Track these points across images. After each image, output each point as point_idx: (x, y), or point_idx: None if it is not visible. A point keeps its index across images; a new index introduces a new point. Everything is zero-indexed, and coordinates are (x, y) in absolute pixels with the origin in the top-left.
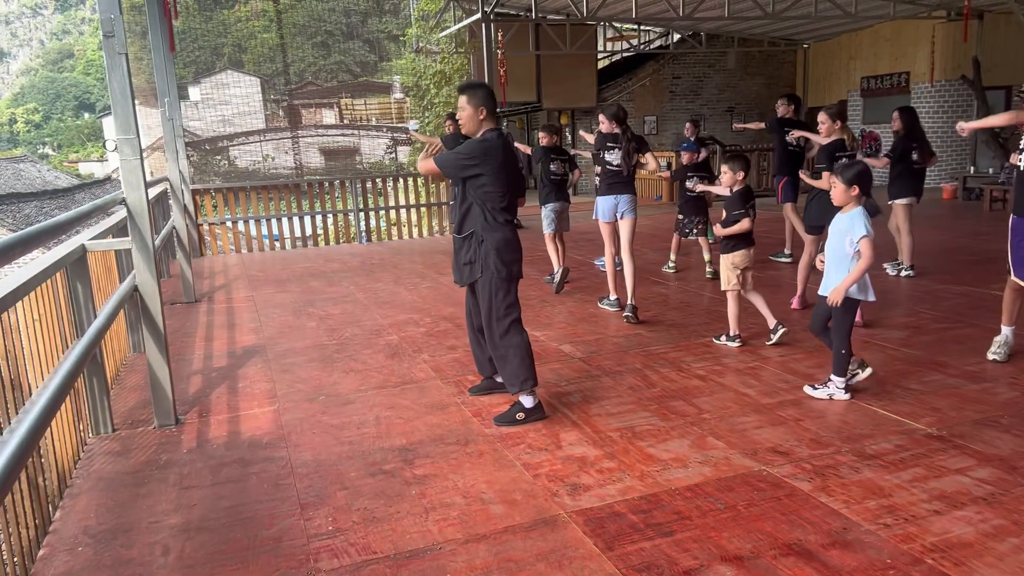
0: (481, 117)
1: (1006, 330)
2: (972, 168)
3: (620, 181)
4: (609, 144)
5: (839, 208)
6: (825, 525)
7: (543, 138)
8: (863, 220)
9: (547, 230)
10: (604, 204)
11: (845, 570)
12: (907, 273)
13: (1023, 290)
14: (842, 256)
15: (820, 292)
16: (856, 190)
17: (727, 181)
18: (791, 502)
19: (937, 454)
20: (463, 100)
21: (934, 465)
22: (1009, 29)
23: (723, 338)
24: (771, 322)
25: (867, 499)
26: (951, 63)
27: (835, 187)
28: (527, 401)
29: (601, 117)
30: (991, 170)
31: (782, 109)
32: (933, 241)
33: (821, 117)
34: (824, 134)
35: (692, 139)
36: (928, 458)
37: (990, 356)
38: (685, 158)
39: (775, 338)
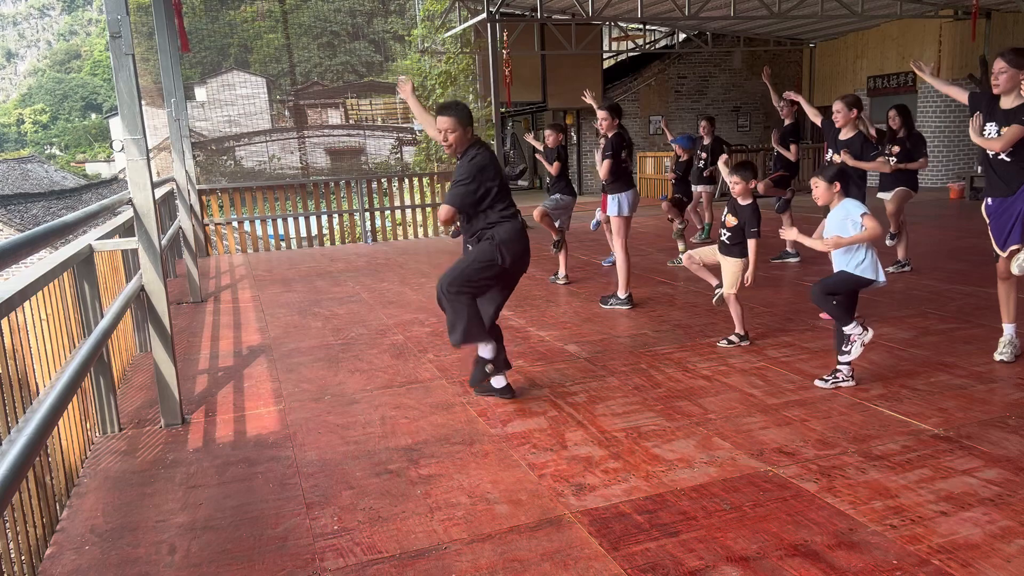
0: (469, 136)
1: (1008, 328)
2: (979, 168)
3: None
4: (627, 142)
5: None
6: (831, 526)
7: (549, 136)
8: (857, 204)
9: (544, 207)
10: (634, 198)
11: (851, 571)
12: (907, 269)
13: (1012, 280)
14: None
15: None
16: (838, 186)
17: (740, 191)
18: (797, 503)
19: (944, 455)
20: (450, 122)
21: (941, 466)
22: (1017, 28)
23: (728, 340)
24: (740, 329)
25: (873, 500)
26: (958, 62)
27: (817, 188)
28: (486, 352)
29: (607, 114)
30: None
31: (787, 111)
32: (940, 241)
33: (837, 106)
34: (841, 124)
35: (708, 139)
36: (935, 459)
37: (997, 357)
38: (680, 151)
39: (729, 343)
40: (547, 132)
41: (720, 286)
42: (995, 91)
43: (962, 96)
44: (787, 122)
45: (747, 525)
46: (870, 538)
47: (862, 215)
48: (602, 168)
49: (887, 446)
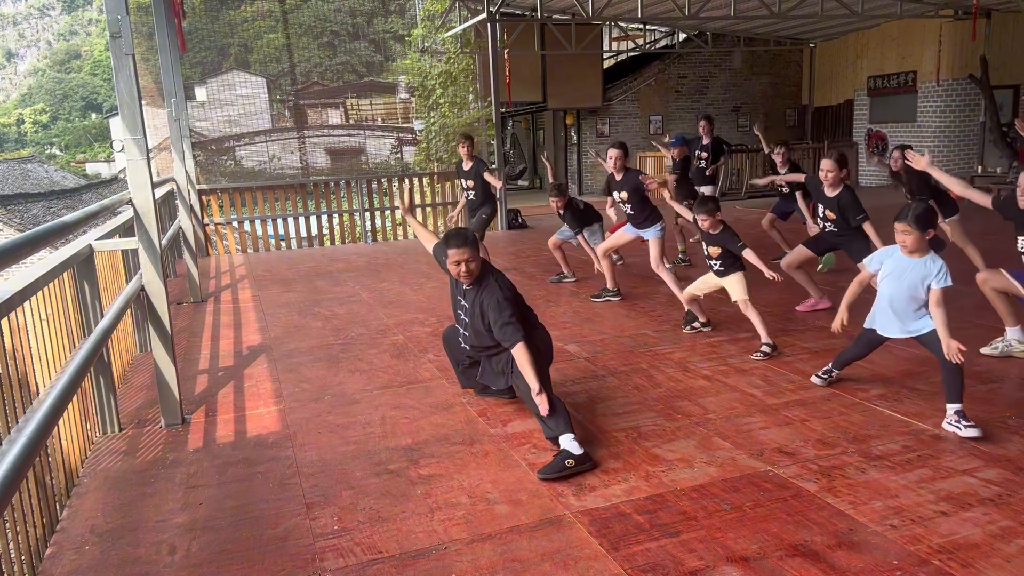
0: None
1: (1011, 331)
2: (980, 168)
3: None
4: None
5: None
6: (831, 526)
7: (554, 202)
8: (946, 269)
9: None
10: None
11: (851, 571)
12: None
13: (988, 282)
14: (915, 299)
15: (884, 333)
16: (931, 233)
17: (709, 225)
18: (797, 503)
19: (944, 455)
20: (471, 251)
21: (941, 466)
22: (1017, 28)
23: (762, 352)
24: (703, 318)
25: (873, 500)
26: (958, 62)
27: (908, 236)
28: (574, 448)
29: (619, 152)
30: (999, 169)
31: (780, 159)
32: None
33: (827, 165)
34: (830, 183)
35: (708, 139)
36: (935, 459)
37: (982, 350)
38: (675, 153)
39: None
40: (551, 200)
41: (706, 323)
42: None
43: (984, 200)
44: (784, 171)
45: (747, 525)
46: (870, 538)
47: (943, 289)
48: (640, 202)
49: (887, 446)
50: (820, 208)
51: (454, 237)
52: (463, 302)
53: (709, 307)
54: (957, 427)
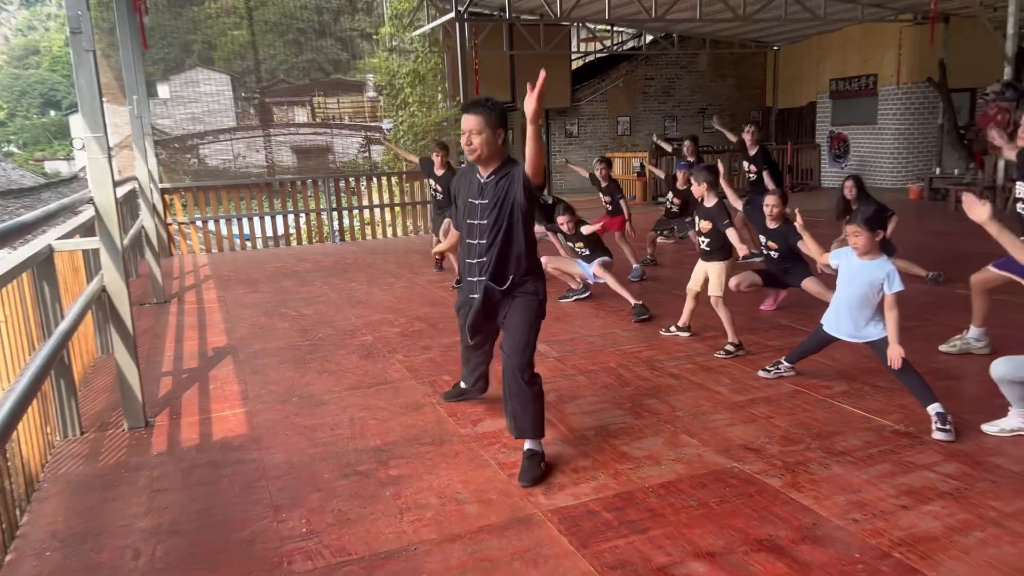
0: (500, 141)
1: (973, 330)
2: (938, 169)
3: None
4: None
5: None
6: (795, 521)
7: (564, 223)
8: (898, 275)
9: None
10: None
11: (815, 565)
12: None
13: (983, 287)
14: (866, 302)
15: (833, 332)
16: (881, 234)
17: (698, 192)
18: (762, 498)
19: (904, 450)
20: (479, 123)
21: (902, 461)
22: (974, 33)
23: (725, 351)
24: (733, 338)
25: (836, 495)
26: (918, 65)
27: (859, 237)
28: (537, 446)
29: (568, 217)
30: (956, 171)
31: (750, 138)
32: (898, 241)
33: (772, 200)
34: (773, 218)
35: (692, 158)
36: (896, 454)
37: (942, 348)
38: (681, 178)
39: (729, 352)
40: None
41: (684, 328)
42: None
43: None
44: (753, 151)
45: (714, 521)
46: (833, 532)
47: (896, 293)
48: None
49: (850, 442)
50: (763, 239)
51: (474, 103)
52: (482, 200)
53: (678, 306)
54: (935, 427)
